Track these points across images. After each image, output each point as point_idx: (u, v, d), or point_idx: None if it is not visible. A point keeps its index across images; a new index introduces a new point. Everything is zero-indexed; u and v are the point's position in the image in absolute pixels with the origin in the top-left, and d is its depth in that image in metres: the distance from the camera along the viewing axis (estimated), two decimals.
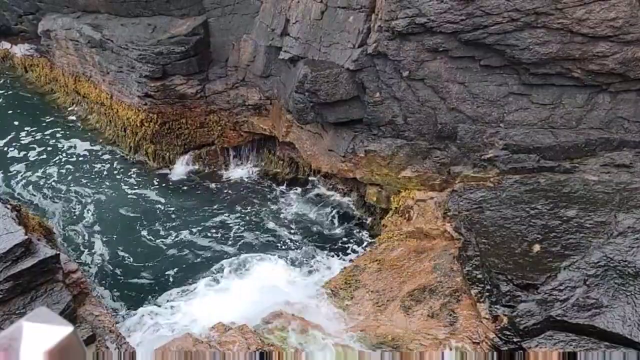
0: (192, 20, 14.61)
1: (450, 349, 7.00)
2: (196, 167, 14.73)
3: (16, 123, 16.49)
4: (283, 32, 12.68)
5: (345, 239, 11.82)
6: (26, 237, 7.07)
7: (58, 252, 7.44)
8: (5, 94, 18.24)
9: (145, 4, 15.34)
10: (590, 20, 8.76)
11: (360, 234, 11.97)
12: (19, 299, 6.80)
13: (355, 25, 10.76)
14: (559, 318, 6.45)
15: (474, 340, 7.02)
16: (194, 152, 14.90)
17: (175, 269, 10.92)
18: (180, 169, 14.64)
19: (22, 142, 15.66)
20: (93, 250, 11.51)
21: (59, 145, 15.46)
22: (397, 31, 9.82)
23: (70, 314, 7.02)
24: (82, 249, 11.56)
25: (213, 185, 14.10)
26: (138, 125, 14.87)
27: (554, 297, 6.74)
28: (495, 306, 7.08)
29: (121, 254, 11.42)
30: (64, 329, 1.12)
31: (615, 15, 8.66)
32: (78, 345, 1.13)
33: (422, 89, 10.35)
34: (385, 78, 10.60)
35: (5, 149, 15.34)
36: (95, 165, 14.69)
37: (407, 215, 10.38)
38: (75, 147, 15.41)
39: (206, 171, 14.62)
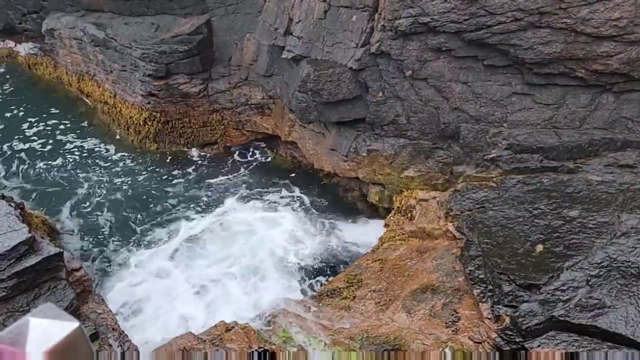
0: (196, 19, 14.64)
1: (452, 349, 7.00)
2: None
3: (20, 122, 16.52)
4: (286, 31, 12.69)
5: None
6: (30, 235, 7.10)
7: (62, 250, 7.47)
8: (10, 92, 18.28)
9: (148, 2, 15.38)
10: (594, 20, 8.74)
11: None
12: (22, 296, 6.84)
13: (359, 24, 10.76)
14: (561, 318, 6.44)
15: (476, 340, 7.01)
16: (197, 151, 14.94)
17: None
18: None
19: (27, 138, 15.70)
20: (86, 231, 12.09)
21: (61, 143, 15.48)
22: (401, 30, 9.81)
23: (73, 312, 7.04)
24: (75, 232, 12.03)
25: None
26: (141, 124, 14.90)
27: (557, 297, 6.73)
28: (498, 306, 7.08)
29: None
30: (70, 325, 1.12)
31: (619, 15, 8.63)
32: (84, 340, 1.14)
33: (425, 89, 10.35)
34: (388, 77, 10.59)
35: (8, 144, 15.41)
36: (97, 162, 14.73)
37: (409, 215, 10.37)
38: (76, 145, 15.43)
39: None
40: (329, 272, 10.59)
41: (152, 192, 13.46)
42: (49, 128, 16.07)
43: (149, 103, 14.60)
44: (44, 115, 16.62)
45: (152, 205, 12.89)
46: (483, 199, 8.93)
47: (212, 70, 14.61)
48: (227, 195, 13.15)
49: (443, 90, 10.19)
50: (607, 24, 8.71)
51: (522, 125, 9.76)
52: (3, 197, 8.74)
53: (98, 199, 13.14)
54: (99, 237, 11.83)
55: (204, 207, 12.79)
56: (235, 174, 13.97)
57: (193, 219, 12.36)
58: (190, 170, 14.23)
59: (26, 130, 15.93)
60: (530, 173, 9.23)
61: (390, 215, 10.97)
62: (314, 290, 9.87)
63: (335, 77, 10.82)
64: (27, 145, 15.19)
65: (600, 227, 7.59)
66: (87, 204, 12.96)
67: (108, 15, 16.40)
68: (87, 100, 17.25)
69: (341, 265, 10.65)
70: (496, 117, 9.94)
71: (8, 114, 16.79)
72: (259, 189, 13.27)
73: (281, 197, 12.92)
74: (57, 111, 16.90)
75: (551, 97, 9.66)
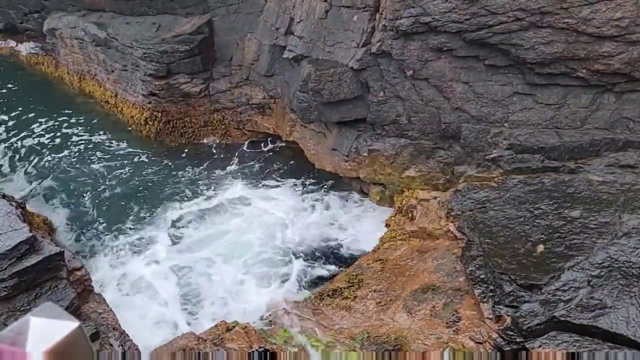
0: (197, 19, 14.64)
1: (453, 349, 6.99)
2: None
3: (27, 119, 16.51)
4: (287, 31, 12.69)
5: None
6: (31, 234, 7.11)
7: (62, 250, 7.48)
8: (14, 90, 18.28)
9: (150, 2, 15.39)
10: (595, 20, 8.73)
11: None
12: (23, 295, 6.84)
13: (360, 24, 10.75)
14: (562, 318, 6.44)
15: (477, 340, 7.01)
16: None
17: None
18: None
19: (34, 134, 15.70)
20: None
21: (68, 137, 15.46)
22: (402, 30, 9.80)
23: (74, 312, 7.04)
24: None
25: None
26: (142, 123, 14.91)
27: (558, 297, 6.72)
28: (499, 306, 7.07)
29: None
30: (71, 325, 1.12)
31: (621, 15, 8.62)
32: (84, 340, 1.14)
33: (426, 89, 10.34)
34: (389, 77, 10.59)
35: (17, 140, 15.45)
36: (104, 154, 14.74)
37: (410, 215, 10.36)
38: (83, 139, 15.42)
39: None
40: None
41: (160, 179, 13.57)
42: (57, 124, 16.08)
43: (150, 103, 14.61)
44: (54, 114, 16.62)
45: (157, 191, 13.09)
46: (484, 199, 8.92)
47: (213, 70, 14.62)
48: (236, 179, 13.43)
49: (444, 90, 10.18)
50: (609, 24, 8.70)
51: (523, 125, 9.75)
52: (4, 196, 8.76)
53: (104, 187, 13.22)
54: (100, 224, 12.02)
55: (212, 190, 13.02)
56: (247, 161, 14.25)
57: (196, 201, 12.65)
58: (200, 157, 14.36)
59: (35, 128, 15.95)
60: (531, 173, 9.22)
61: (391, 215, 10.97)
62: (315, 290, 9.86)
63: (336, 77, 10.82)
64: (36, 141, 15.24)
65: (602, 228, 7.58)
66: (94, 193, 13.06)
67: (109, 14, 16.42)
68: (89, 99, 17.25)
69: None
70: (497, 117, 9.93)
71: (14, 112, 16.80)
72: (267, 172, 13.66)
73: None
74: (62, 108, 16.90)
75: (552, 97, 9.65)
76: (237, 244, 11.11)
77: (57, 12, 17.97)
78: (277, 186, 13.09)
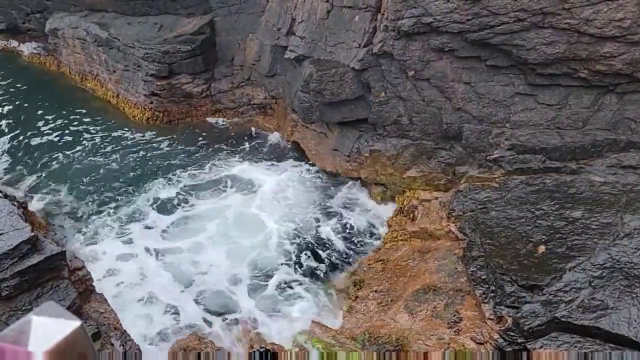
0: (199, 19, 14.66)
1: (454, 350, 6.99)
2: None
3: (36, 115, 16.51)
4: (289, 31, 12.70)
5: None
6: (32, 234, 7.11)
7: (64, 249, 7.49)
8: (22, 90, 18.29)
9: (151, 3, 15.41)
10: (597, 20, 8.71)
11: None
12: (25, 295, 6.85)
13: (361, 24, 10.76)
14: (563, 319, 6.42)
15: (478, 341, 7.00)
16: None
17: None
18: None
19: (41, 132, 15.72)
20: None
21: (78, 133, 15.47)
22: (403, 31, 9.80)
23: (75, 311, 7.04)
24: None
25: None
26: (144, 123, 14.93)
27: (559, 298, 6.71)
28: (500, 307, 7.06)
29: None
30: (72, 324, 1.13)
31: (622, 16, 8.60)
32: (86, 339, 1.14)
33: (428, 89, 10.34)
34: (390, 78, 10.59)
35: (26, 137, 15.46)
36: (112, 144, 14.76)
37: (411, 215, 10.36)
38: (92, 131, 15.42)
39: None
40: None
41: (163, 160, 13.63)
42: (65, 121, 16.05)
43: (151, 103, 14.63)
44: (62, 112, 16.58)
45: (156, 174, 13.20)
46: (485, 199, 8.92)
47: (214, 70, 14.64)
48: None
49: (446, 90, 10.18)
50: (611, 25, 8.69)
51: (524, 126, 9.74)
52: (6, 196, 8.77)
53: (105, 176, 13.29)
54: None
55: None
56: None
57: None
58: (207, 138, 14.34)
59: (41, 126, 15.92)
60: (533, 174, 9.21)
61: (392, 215, 10.97)
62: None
63: (337, 77, 10.83)
64: (45, 139, 15.22)
65: (603, 228, 7.57)
66: (94, 182, 13.13)
67: (111, 15, 16.44)
68: (92, 98, 17.25)
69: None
70: (499, 118, 9.92)
71: (21, 110, 16.80)
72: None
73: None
74: (65, 106, 16.88)
75: (554, 97, 9.64)
76: (234, 221, 11.28)
77: (59, 13, 18.00)
78: (278, 166, 13.19)
